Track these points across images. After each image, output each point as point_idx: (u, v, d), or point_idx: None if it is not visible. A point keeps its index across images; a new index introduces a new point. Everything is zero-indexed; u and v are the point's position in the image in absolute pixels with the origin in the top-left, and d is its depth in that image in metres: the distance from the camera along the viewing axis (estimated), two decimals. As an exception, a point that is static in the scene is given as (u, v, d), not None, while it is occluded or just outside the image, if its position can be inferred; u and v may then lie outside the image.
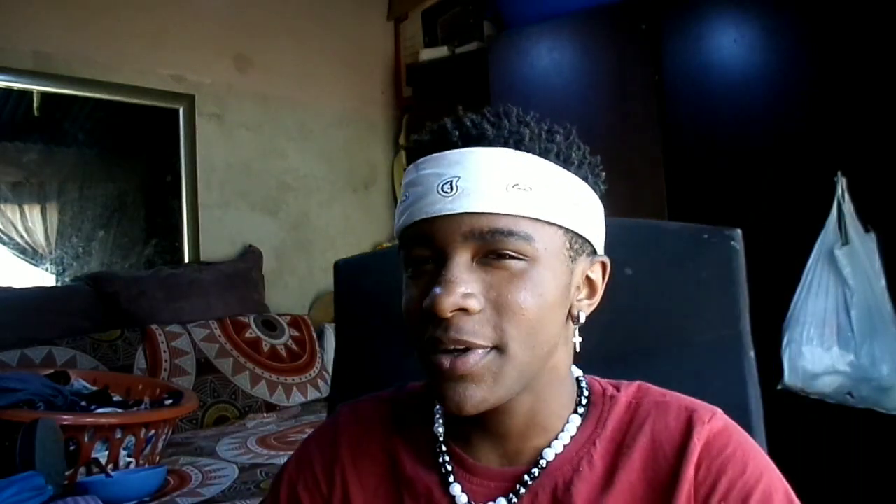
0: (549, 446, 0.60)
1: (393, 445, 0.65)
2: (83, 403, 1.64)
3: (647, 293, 0.75)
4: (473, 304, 0.52)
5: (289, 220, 2.93)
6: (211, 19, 2.72)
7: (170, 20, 2.60)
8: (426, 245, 0.55)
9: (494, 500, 0.59)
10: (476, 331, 0.53)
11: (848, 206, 1.78)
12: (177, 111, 2.62)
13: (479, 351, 0.53)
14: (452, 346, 0.53)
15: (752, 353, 0.76)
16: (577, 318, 0.60)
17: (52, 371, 1.77)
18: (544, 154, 0.58)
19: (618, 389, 0.63)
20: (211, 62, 2.72)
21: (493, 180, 0.54)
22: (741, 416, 0.65)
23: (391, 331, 0.81)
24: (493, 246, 0.53)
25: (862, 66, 1.82)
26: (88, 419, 1.50)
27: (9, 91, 2.29)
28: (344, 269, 0.95)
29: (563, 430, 0.60)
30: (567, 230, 0.57)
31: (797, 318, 1.81)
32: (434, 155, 0.57)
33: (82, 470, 1.43)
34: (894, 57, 1.77)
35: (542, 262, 0.55)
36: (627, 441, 0.59)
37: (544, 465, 0.59)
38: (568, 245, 0.57)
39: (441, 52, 3.00)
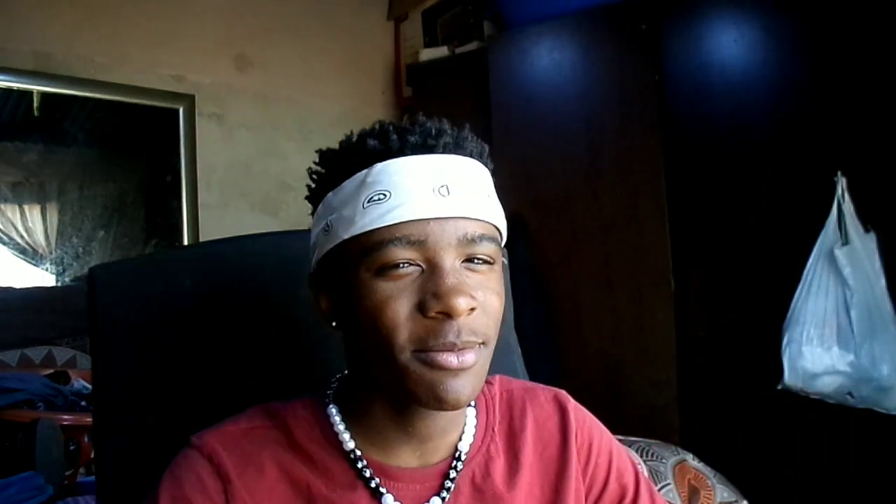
0: (460, 439, 0.65)
1: (294, 473, 0.59)
2: (83, 403, 1.64)
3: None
4: (476, 304, 0.56)
5: (289, 220, 2.92)
6: (211, 19, 2.72)
7: (170, 20, 2.60)
8: (414, 248, 0.55)
9: (428, 501, 0.61)
10: (477, 329, 0.56)
11: (848, 206, 1.78)
12: (177, 111, 2.62)
13: (477, 347, 0.56)
14: (463, 346, 0.55)
15: (518, 351, 0.92)
16: None
17: (52, 371, 1.77)
18: (487, 164, 0.62)
19: (489, 383, 0.70)
20: (211, 62, 2.72)
21: (476, 188, 0.58)
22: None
23: (170, 343, 0.76)
24: (474, 250, 0.57)
25: (862, 66, 1.82)
26: (88, 419, 1.50)
27: (9, 91, 2.30)
28: (102, 277, 0.76)
29: (466, 423, 0.66)
30: (502, 234, 0.62)
31: (797, 318, 1.81)
32: (422, 156, 0.57)
33: (82, 470, 1.43)
34: (894, 57, 1.77)
35: (498, 265, 0.60)
36: (516, 424, 0.68)
37: (463, 458, 0.63)
38: (501, 249, 0.62)
39: (441, 52, 3.00)
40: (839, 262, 1.76)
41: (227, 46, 2.76)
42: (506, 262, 0.88)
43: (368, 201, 0.55)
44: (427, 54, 3.05)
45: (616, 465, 0.71)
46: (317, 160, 0.63)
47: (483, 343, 0.57)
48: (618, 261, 2.24)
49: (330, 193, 0.59)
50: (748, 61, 2.03)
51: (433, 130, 0.58)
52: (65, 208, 2.42)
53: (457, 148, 0.59)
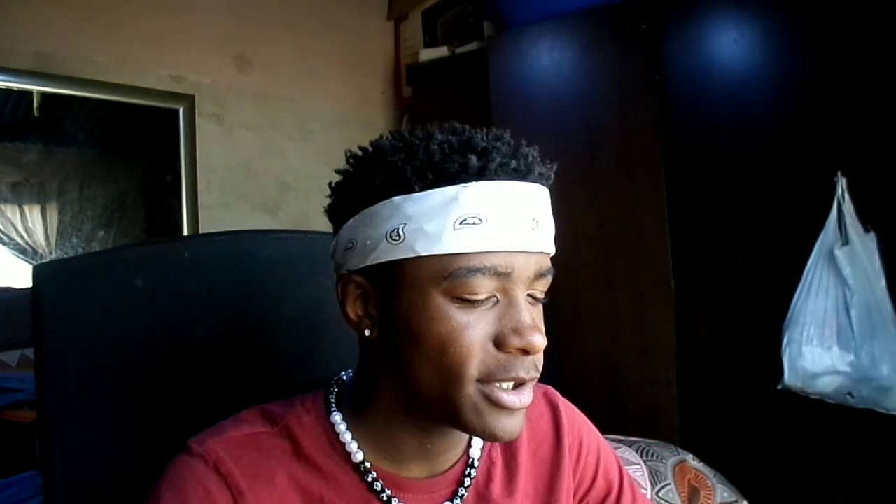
0: (470, 446, 0.65)
1: (305, 483, 0.57)
2: (83, 403, 1.64)
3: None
4: (546, 342, 0.56)
5: (289, 220, 2.92)
6: (211, 19, 2.72)
7: (170, 20, 2.60)
8: (500, 278, 0.54)
9: None
10: (539, 365, 0.57)
11: (848, 206, 1.78)
12: (177, 111, 2.62)
13: (530, 382, 0.57)
14: (528, 380, 0.55)
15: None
16: None
17: (52, 371, 1.77)
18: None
19: None
20: (211, 62, 2.71)
21: (551, 222, 0.60)
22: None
23: (114, 361, 0.73)
24: (542, 284, 0.57)
25: (862, 66, 1.82)
26: (88, 419, 1.50)
27: (9, 91, 2.29)
28: (47, 277, 0.73)
29: None
30: None
31: (797, 318, 1.81)
32: (521, 183, 0.55)
33: (82, 470, 1.43)
34: (894, 57, 1.77)
35: None
36: None
37: (476, 465, 0.64)
38: None
39: (441, 52, 3.00)
40: (839, 262, 1.76)
41: (227, 46, 2.76)
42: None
43: (461, 223, 0.52)
44: (427, 54, 3.05)
45: (603, 461, 0.72)
46: (368, 149, 0.59)
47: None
48: (618, 261, 2.24)
49: (399, 197, 0.53)
50: (748, 61, 2.03)
51: (529, 156, 0.57)
52: (65, 208, 2.42)
53: (542, 178, 0.58)
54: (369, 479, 0.59)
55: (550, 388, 0.74)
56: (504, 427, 0.55)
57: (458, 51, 2.92)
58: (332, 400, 0.62)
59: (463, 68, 2.82)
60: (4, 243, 2.31)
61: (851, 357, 1.74)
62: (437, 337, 0.53)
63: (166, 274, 0.77)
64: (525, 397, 0.55)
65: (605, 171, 2.26)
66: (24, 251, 2.35)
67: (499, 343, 0.53)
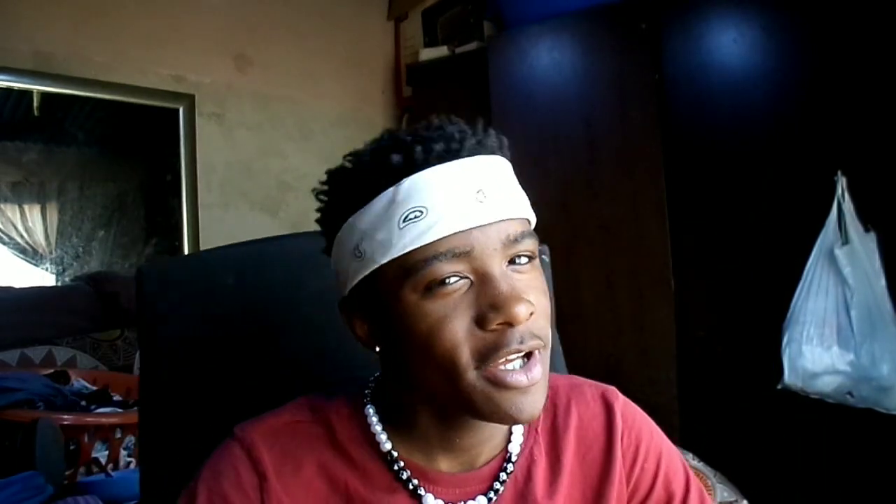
0: (510, 440, 0.63)
1: (333, 470, 0.59)
2: (83, 403, 1.64)
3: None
4: (533, 308, 0.54)
5: (289, 220, 2.92)
6: (211, 19, 2.72)
7: (170, 20, 2.60)
8: (460, 260, 0.52)
9: (474, 499, 0.60)
10: (538, 332, 0.54)
11: (848, 206, 1.78)
12: (177, 111, 2.62)
13: (537, 353, 0.54)
14: (524, 354, 0.53)
15: (559, 349, 0.92)
16: None
17: (52, 371, 1.77)
18: (507, 157, 0.60)
19: None
20: (211, 62, 2.71)
21: (508, 186, 0.56)
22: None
23: (211, 350, 0.79)
24: (518, 249, 0.55)
25: (862, 65, 1.82)
26: (88, 419, 1.50)
27: (9, 91, 2.29)
28: (149, 277, 0.80)
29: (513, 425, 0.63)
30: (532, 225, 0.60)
31: (797, 318, 1.81)
32: (451, 164, 0.54)
33: (82, 470, 1.43)
34: (894, 57, 1.77)
35: (537, 259, 0.57)
36: (560, 424, 0.65)
37: (515, 459, 0.62)
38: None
39: (441, 52, 3.00)
40: (839, 261, 1.76)
41: (227, 46, 2.76)
42: (546, 259, 0.89)
43: (404, 220, 0.52)
44: (427, 54, 3.05)
45: (665, 469, 0.66)
46: (323, 180, 0.60)
47: (545, 346, 0.56)
48: (618, 261, 2.24)
49: (352, 217, 0.55)
50: (748, 61, 2.03)
51: (455, 134, 0.55)
52: (65, 208, 2.42)
53: (481, 147, 0.56)
54: (396, 469, 0.59)
55: (611, 389, 0.69)
56: (520, 407, 0.53)
57: (458, 51, 2.92)
58: (368, 392, 0.63)
59: (463, 68, 2.82)
60: (4, 243, 2.31)
61: (851, 357, 1.74)
62: (420, 335, 0.53)
63: (255, 271, 0.82)
64: (534, 373, 0.53)
65: (605, 170, 2.26)
66: (24, 251, 2.35)
67: (481, 323, 0.52)
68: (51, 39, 2.32)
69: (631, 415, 0.68)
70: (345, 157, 0.60)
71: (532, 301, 0.53)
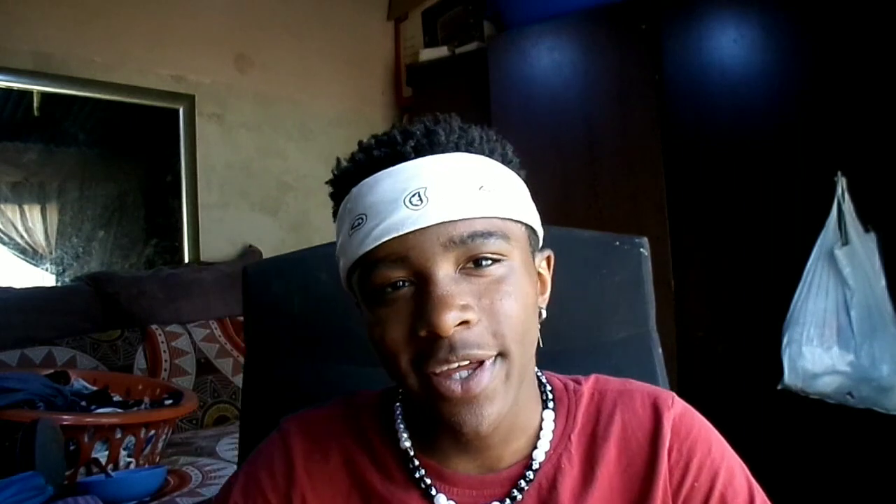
0: (535, 447, 0.59)
1: (356, 463, 0.60)
2: (83, 403, 1.63)
3: (565, 297, 0.77)
4: (472, 315, 0.51)
5: (289, 220, 2.93)
6: (211, 19, 2.72)
7: (170, 20, 2.60)
8: (400, 266, 0.51)
9: (489, 503, 0.58)
10: (481, 342, 0.51)
11: (848, 206, 1.78)
12: (177, 111, 2.62)
13: (488, 363, 0.51)
14: (459, 365, 0.51)
15: (659, 349, 0.86)
16: (540, 314, 0.60)
17: (52, 371, 1.77)
18: (491, 155, 0.57)
19: (578, 383, 0.64)
20: (211, 62, 2.72)
21: (462, 184, 0.52)
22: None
23: (307, 338, 0.87)
24: (473, 251, 0.52)
25: (862, 65, 1.82)
26: (88, 419, 1.50)
27: (9, 91, 2.29)
28: (253, 275, 0.89)
29: (541, 429, 0.60)
30: (527, 226, 0.57)
31: (797, 318, 1.81)
32: (389, 169, 0.53)
33: (82, 470, 1.43)
34: (894, 57, 1.77)
35: (518, 262, 0.54)
36: (600, 432, 0.60)
37: (537, 467, 0.58)
38: (529, 242, 0.58)
39: (441, 52, 3.00)
40: (839, 262, 1.76)
41: (227, 46, 2.76)
42: (645, 252, 0.91)
43: (352, 228, 0.53)
44: (427, 54, 3.06)
45: (722, 487, 0.58)
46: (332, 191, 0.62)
47: (500, 355, 0.52)
48: (618, 261, 2.24)
49: (335, 220, 0.59)
50: (748, 61, 2.03)
51: (398, 136, 0.54)
52: (65, 208, 2.42)
53: (432, 147, 0.54)
54: (411, 467, 0.59)
55: (665, 394, 0.63)
56: (461, 419, 0.51)
57: (458, 51, 2.92)
58: (400, 391, 0.64)
59: (463, 68, 2.82)
60: (4, 243, 2.31)
61: (851, 357, 1.74)
62: (373, 340, 0.54)
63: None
64: (473, 384, 0.50)
65: (605, 170, 2.26)
66: (24, 251, 2.35)
67: (413, 330, 0.51)
68: (51, 39, 2.32)
69: (686, 425, 0.61)
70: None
71: (479, 306, 0.51)
